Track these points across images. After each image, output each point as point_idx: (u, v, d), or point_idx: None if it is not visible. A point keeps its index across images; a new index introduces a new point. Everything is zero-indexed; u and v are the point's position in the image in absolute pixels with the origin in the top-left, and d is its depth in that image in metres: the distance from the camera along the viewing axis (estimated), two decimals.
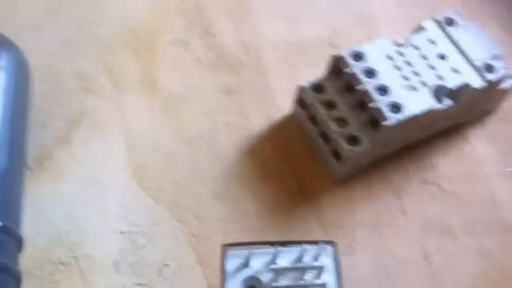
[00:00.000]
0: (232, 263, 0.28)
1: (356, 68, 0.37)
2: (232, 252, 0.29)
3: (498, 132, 0.42)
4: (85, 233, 0.34)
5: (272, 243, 0.29)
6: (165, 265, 0.33)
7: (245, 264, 0.28)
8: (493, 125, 0.42)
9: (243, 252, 0.29)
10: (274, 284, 0.28)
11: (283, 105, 0.41)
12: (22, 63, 0.34)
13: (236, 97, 0.41)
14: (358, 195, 0.38)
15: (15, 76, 0.33)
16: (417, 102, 0.37)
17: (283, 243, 0.29)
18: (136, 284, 0.33)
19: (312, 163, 0.39)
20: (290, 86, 0.41)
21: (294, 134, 0.40)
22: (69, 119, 0.38)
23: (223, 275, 0.28)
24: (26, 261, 0.31)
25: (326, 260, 0.29)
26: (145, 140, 0.38)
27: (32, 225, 0.33)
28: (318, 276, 0.28)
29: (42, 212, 0.34)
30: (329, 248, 0.29)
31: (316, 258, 0.29)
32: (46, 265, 0.32)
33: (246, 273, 0.28)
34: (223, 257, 0.28)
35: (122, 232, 0.34)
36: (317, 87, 0.39)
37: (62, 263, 0.33)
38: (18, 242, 0.29)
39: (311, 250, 0.29)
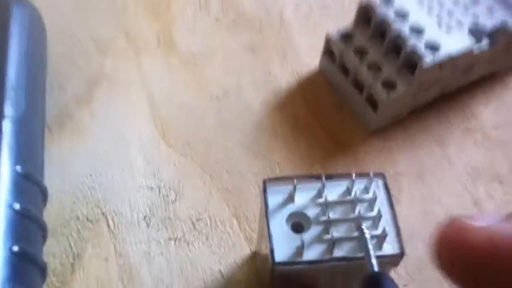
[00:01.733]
0: (274, 199, 0.27)
1: (386, 11, 0.37)
2: (273, 188, 0.28)
3: None
4: (112, 189, 0.33)
5: (317, 177, 0.28)
6: (199, 219, 0.32)
7: (289, 200, 0.28)
8: None
9: (286, 187, 0.28)
10: (323, 218, 0.27)
11: (309, 61, 0.40)
12: (36, 17, 0.34)
13: (260, 55, 0.40)
14: (397, 145, 0.37)
15: (29, 27, 0.33)
16: (454, 42, 0.36)
17: (330, 176, 0.28)
18: (170, 239, 0.32)
19: (344, 116, 0.38)
20: (315, 43, 0.41)
21: (323, 88, 0.39)
22: (88, 80, 0.37)
23: (266, 213, 0.27)
24: (50, 219, 0.30)
25: (377, 193, 0.28)
26: (167, 98, 0.37)
27: (55, 183, 0.32)
28: (370, 208, 0.27)
29: (65, 170, 0.33)
30: (380, 180, 0.28)
31: (366, 191, 0.28)
32: (73, 222, 0.31)
33: (291, 209, 0.27)
34: (265, 193, 0.27)
35: (150, 188, 0.33)
36: (346, 36, 0.38)
37: (90, 220, 0.32)
38: (42, 193, 0.29)
39: (359, 183, 0.28)
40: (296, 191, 0.28)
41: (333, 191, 0.28)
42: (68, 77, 0.37)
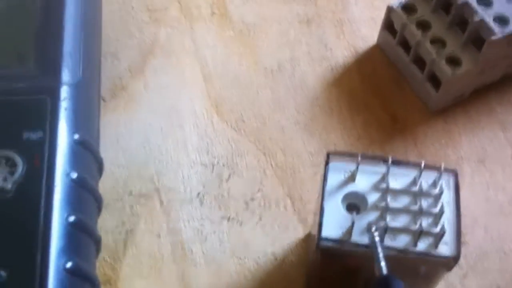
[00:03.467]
0: (335, 175, 0.26)
1: None
2: (336, 163, 0.26)
3: None
4: (165, 164, 0.32)
5: (384, 159, 0.26)
6: (252, 198, 0.31)
7: (350, 179, 0.26)
8: None
9: (348, 166, 0.26)
10: (381, 204, 0.25)
11: (366, 35, 0.38)
12: None
13: (316, 27, 0.38)
14: (458, 128, 0.35)
15: None
16: None
17: (397, 162, 0.26)
18: (223, 217, 0.31)
19: (404, 93, 0.36)
20: (374, 15, 0.39)
21: (381, 64, 0.37)
22: (142, 50, 0.36)
23: (323, 186, 0.25)
24: (104, 192, 0.29)
25: (445, 188, 0.26)
26: (221, 71, 0.36)
27: (108, 156, 0.31)
28: (434, 205, 0.26)
29: (118, 143, 0.33)
30: (451, 177, 0.26)
31: (434, 186, 0.26)
32: (126, 197, 0.31)
33: (350, 188, 0.26)
34: (326, 166, 0.26)
35: (204, 165, 0.32)
36: (408, 7, 0.36)
37: (143, 196, 0.31)
38: (98, 163, 0.28)
39: (428, 175, 0.26)
40: (359, 172, 0.26)
41: (398, 179, 0.26)
42: (122, 47, 0.36)
